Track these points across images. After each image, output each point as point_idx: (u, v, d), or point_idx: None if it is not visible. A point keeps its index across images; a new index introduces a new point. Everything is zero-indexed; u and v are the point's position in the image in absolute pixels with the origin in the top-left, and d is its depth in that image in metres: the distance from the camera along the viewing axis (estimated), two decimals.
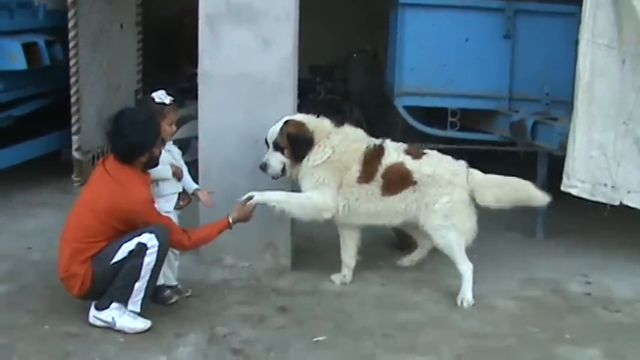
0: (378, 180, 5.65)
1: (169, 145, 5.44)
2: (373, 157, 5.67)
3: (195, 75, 6.20)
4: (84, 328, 5.07)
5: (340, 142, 5.67)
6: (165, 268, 5.39)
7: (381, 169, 5.65)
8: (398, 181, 5.65)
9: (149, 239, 4.94)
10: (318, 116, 5.76)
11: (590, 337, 5.20)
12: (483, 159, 6.93)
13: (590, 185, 6.02)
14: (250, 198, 5.49)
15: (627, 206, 6.20)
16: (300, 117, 5.74)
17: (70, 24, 7.35)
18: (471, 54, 6.91)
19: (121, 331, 5.01)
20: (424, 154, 5.74)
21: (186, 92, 7.65)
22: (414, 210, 5.69)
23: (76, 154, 7.61)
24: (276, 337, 5.07)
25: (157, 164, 5.20)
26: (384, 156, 5.68)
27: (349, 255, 5.97)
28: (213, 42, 5.85)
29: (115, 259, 4.97)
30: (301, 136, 5.61)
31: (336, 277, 5.95)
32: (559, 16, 6.76)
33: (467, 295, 5.64)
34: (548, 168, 6.75)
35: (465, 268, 5.70)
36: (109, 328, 5.03)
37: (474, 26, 6.88)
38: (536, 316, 5.48)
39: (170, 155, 5.42)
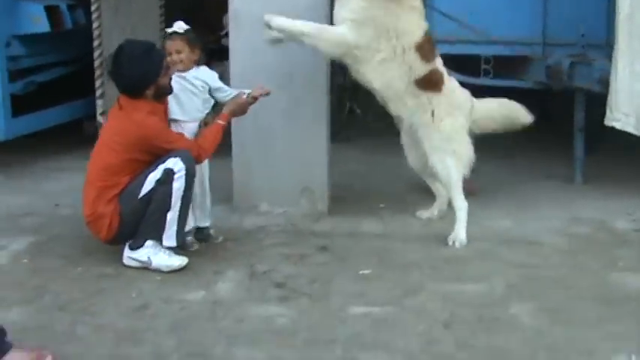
0: (426, 67, 5.39)
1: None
2: (432, 47, 5.46)
3: (224, 36, 6.07)
4: (118, 269, 4.92)
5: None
6: (192, 209, 5.23)
7: (433, 63, 5.43)
8: (435, 83, 5.44)
9: (175, 163, 4.80)
10: None
11: None
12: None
13: (634, 119, 5.81)
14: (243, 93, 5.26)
15: None
16: None
17: None
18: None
19: (157, 270, 4.84)
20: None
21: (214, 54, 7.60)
22: (417, 118, 5.50)
23: (100, 119, 7.47)
24: (319, 272, 4.90)
25: (169, 93, 5.05)
26: (438, 57, 5.51)
27: None
28: None
29: (142, 192, 4.83)
30: None
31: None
32: None
33: (460, 234, 5.39)
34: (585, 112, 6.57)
35: (461, 205, 5.47)
36: (145, 268, 4.87)
37: None
38: (586, 249, 5.28)
39: (187, 82, 5.20)
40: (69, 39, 7.65)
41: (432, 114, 5.44)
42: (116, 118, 4.97)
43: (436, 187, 5.91)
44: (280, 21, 5.28)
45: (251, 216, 5.86)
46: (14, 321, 4.10)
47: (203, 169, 5.30)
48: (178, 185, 4.82)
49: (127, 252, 4.93)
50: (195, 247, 5.25)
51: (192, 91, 5.25)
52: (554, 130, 7.92)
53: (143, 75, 4.87)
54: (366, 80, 5.50)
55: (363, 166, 7.37)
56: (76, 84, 7.87)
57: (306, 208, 5.92)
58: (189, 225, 5.21)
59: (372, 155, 7.75)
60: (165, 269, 4.85)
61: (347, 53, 5.36)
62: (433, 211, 5.92)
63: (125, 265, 4.93)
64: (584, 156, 6.68)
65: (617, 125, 5.82)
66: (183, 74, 5.21)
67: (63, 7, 7.32)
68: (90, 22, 7.39)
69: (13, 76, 7.16)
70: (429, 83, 5.42)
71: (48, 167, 7.37)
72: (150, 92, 4.93)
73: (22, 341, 3.76)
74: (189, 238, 5.24)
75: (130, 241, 4.91)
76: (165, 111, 5.11)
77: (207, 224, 5.43)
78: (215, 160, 5.45)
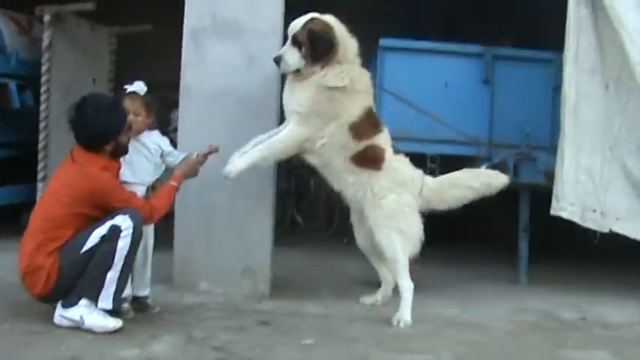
0: (362, 144, 5.35)
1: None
2: (372, 121, 5.43)
3: (172, 131, 6.11)
4: (48, 327, 4.66)
5: (359, 78, 5.35)
6: (131, 277, 5.01)
7: (371, 139, 5.39)
8: (371, 160, 5.39)
9: (123, 221, 4.63)
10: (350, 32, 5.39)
11: (594, 344, 4.92)
12: None
13: (580, 209, 5.86)
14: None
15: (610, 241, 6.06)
16: (330, 18, 5.31)
17: (44, 68, 7.18)
18: (450, 99, 6.86)
19: (89, 331, 4.57)
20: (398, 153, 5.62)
21: None
22: (361, 195, 5.42)
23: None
24: (259, 341, 4.69)
25: (125, 152, 4.96)
26: (379, 134, 5.46)
27: None
28: (196, 56, 5.74)
29: (85, 247, 4.62)
30: (324, 36, 5.21)
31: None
32: (537, 62, 6.82)
33: (405, 315, 5.24)
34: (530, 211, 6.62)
35: (406, 285, 5.33)
36: (77, 328, 4.59)
37: (453, 71, 6.87)
38: (534, 332, 5.20)
39: (141, 145, 5.16)
40: (14, 122, 7.52)
41: (372, 191, 5.40)
42: (67, 170, 4.80)
43: (382, 272, 5.79)
44: (239, 166, 5.25)
45: (190, 294, 5.62)
46: None
47: (148, 235, 5.15)
48: (123, 244, 4.63)
49: (59, 310, 4.66)
50: (131, 314, 5.00)
51: (144, 154, 5.18)
52: (494, 239, 7.99)
53: (107, 128, 4.77)
54: (307, 159, 5.49)
55: (305, 265, 7.20)
56: (17, 169, 7.68)
57: (247, 289, 5.72)
58: (127, 292, 4.98)
59: (314, 257, 7.60)
60: (98, 330, 4.59)
61: (299, 147, 5.37)
62: (377, 297, 5.77)
63: (56, 325, 4.65)
64: (529, 258, 6.65)
65: (564, 215, 5.85)
66: (137, 137, 5.14)
67: (12, 86, 7.23)
68: (38, 105, 7.29)
69: None
70: (365, 160, 5.39)
71: None
72: (109, 148, 4.82)
73: None
74: (125, 305, 4.99)
75: (63, 300, 4.66)
76: (119, 170, 4.98)
77: (145, 293, 5.20)
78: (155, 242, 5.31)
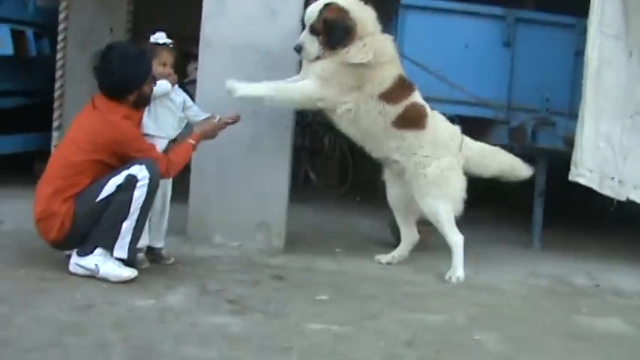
0: (399, 108, 5.36)
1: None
2: (405, 86, 5.43)
3: (188, 84, 6.05)
4: (63, 275, 4.64)
5: (382, 49, 5.32)
6: (148, 227, 4.98)
7: (406, 102, 5.39)
8: (414, 118, 5.41)
9: (139, 171, 4.59)
10: (366, 3, 5.37)
11: (606, 311, 4.92)
12: None
13: (598, 176, 5.81)
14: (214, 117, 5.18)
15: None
16: (345, 1, 5.30)
17: (61, 16, 7.10)
18: (470, 61, 6.76)
19: (104, 280, 4.58)
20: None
21: None
22: (404, 161, 5.45)
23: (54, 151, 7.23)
24: (273, 295, 4.70)
25: (147, 103, 4.93)
26: (413, 92, 5.46)
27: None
28: (218, 8, 5.66)
29: (101, 196, 4.59)
30: (340, 24, 5.20)
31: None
32: (559, 26, 6.71)
33: (458, 270, 5.33)
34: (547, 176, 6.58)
35: (456, 239, 5.40)
36: (91, 276, 4.59)
37: (474, 32, 6.76)
38: (548, 297, 5.20)
39: (167, 98, 5.09)
40: (30, 70, 7.48)
41: (415, 161, 5.41)
42: (89, 116, 4.76)
43: (405, 231, 5.81)
44: (243, 90, 5.23)
45: (204, 247, 5.61)
46: None
47: (167, 188, 5.14)
48: (139, 194, 4.61)
49: (75, 258, 4.66)
50: (146, 264, 5.00)
51: (170, 107, 5.14)
52: (509, 205, 7.98)
53: (132, 78, 4.74)
54: (342, 128, 5.50)
55: (318, 221, 7.18)
56: (32, 117, 7.65)
57: (261, 243, 5.72)
58: (142, 243, 4.98)
59: (326, 214, 7.59)
60: (113, 279, 4.58)
61: (311, 105, 5.43)
62: (393, 254, 5.78)
63: (71, 273, 4.65)
64: (544, 223, 6.64)
65: (582, 181, 5.79)
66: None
67: (29, 33, 7.17)
68: (54, 55, 7.24)
69: None
70: (408, 121, 5.40)
71: None
72: (132, 98, 4.78)
73: None
74: (140, 255, 4.99)
75: (79, 248, 4.66)
76: (140, 120, 4.95)
77: (161, 245, 5.21)
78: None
